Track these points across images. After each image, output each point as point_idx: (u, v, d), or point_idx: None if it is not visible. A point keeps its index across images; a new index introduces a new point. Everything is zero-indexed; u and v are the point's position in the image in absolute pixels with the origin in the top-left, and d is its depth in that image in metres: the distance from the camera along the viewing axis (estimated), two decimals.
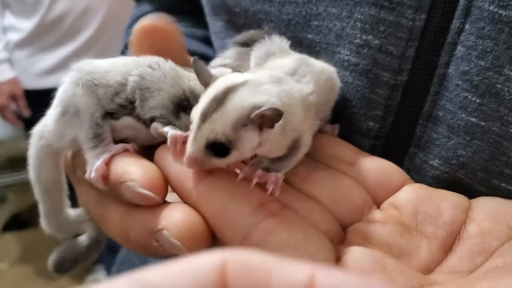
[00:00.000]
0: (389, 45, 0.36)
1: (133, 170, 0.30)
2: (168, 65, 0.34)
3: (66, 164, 0.39)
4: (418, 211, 0.31)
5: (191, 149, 0.29)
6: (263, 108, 0.28)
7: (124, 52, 0.74)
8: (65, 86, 0.34)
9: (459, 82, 0.34)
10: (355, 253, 0.28)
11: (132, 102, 0.34)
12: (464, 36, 0.34)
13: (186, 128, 0.33)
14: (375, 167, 0.34)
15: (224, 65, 0.42)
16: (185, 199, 0.30)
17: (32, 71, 1.75)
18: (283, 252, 0.26)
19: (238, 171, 0.31)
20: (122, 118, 0.34)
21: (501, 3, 0.32)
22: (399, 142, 0.37)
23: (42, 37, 1.73)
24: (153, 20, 0.36)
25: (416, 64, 0.36)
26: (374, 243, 0.30)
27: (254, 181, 0.29)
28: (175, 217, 0.29)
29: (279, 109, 0.28)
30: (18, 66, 1.77)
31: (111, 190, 0.32)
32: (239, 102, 0.28)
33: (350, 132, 0.38)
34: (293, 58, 0.35)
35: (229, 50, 0.43)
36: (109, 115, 0.34)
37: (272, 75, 0.32)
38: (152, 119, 0.33)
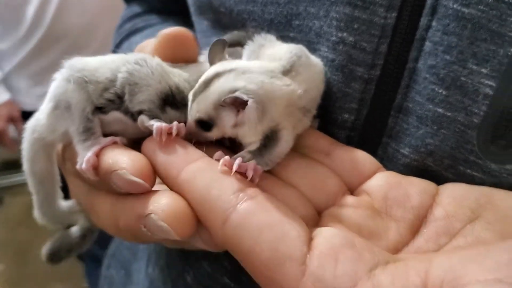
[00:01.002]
0: (363, 42, 0.38)
1: (123, 159, 0.33)
2: (155, 61, 0.37)
3: (58, 157, 0.41)
4: (388, 197, 0.34)
5: (187, 124, 0.35)
6: (235, 93, 0.32)
7: (115, 51, 0.75)
8: (57, 82, 0.36)
9: (427, 76, 0.36)
10: (326, 233, 0.30)
11: (120, 97, 0.36)
12: (432, 33, 0.36)
13: (170, 121, 0.35)
14: (349, 156, 0.36)
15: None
16: (171, 187, 0.33)
17: (33, 92, 1.69)
18: (261, 233, 0.28)
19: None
20: (111, 112, 0.36)
21: (464, 2, 0.34)
22: (373, 132, 0.39)
23: (42, 56, 1.67)
24: (178, 28, 0.39)
25: (388, 59, 0.38)
26: (346, 225, 0.32)
27: (235, 168, 0.31)
28: (162, 202, 0.31)
29: (244, 96, 0.31)
30: (18, 88, 1.71)
31: (101, 180, 0.34)
32: (220, 86, 0.33)
33: (327, 124, 0.40)
34: (292, 48, 0.38)
35: None
36: (98, 109, 0.36)
37: (264, 67, 0.35)
38: (140, 112, 0.36)
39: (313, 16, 0.41)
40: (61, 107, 0.36)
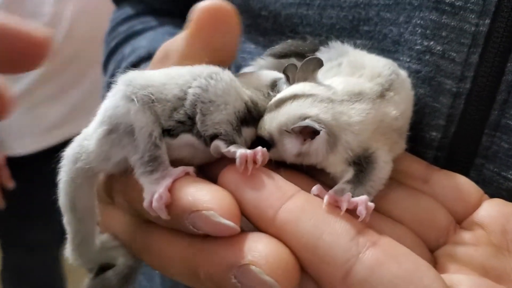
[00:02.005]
0: (452, 51, 0.34)
1: (206, 197, 0.27)
2: (227, 74, 0.31)
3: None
4: (506, 230, 0.30)
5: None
6: (304, 122, 0.28)
7: (106, 62, 0.68)
8: (114, 101, 0.30)
9: None
10: (465, 282, 0.25)
11: (191, 118, 0.30)
12: None
13: (245, 141, 0.31)
14: (450, 183, 0.32)
15: None
16: (265, 229, 0.27)
17: (36, 128, 1.38)
18: (396, 286, 0.24)
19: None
20: (181, 135, 0.30)
21: None
22: (462, 153, 0.35)
23: (45, 85, 1.36)
24: (217, 1, 0.32)
25: (480, 71, 0.34)
26: (470, 267, 0.28)
27: (344, 206, 0.27)
28: (263, 250, 0.26)
29: (315, 126, 0.28)
30: (15, 126, 1.35)
31: (173, 219, 0.28)
32: (291, 111, 0.30)
33: (412, 143, 0.36)
34: (388, 63, 0.33)
35: (263, 59, 0.40)
36: (166, 132, 0.30)
37: (351, 90, 0.31)
38: (214, 136, 0.30)
39: (389, 22, 0.36)
40: (119, 131, 0.29)
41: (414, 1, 0.35)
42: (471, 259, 0.28)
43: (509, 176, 0.34)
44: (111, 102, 0.30)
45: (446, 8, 0.34)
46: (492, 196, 0.33)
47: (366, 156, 0.30)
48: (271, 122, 0.30)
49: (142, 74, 0.31)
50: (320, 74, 0.33)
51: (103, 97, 0.31)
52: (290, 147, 0.30)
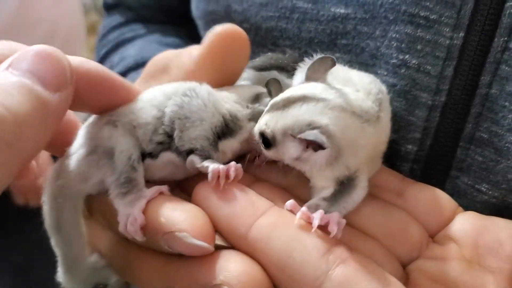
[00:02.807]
0: (427, 65, 0.35)
1: (179, 218, 0.27)
2: (205, 89, 0.32)
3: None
4: (478, 244, 0.30)
5: (254, 129, 0.31)
6: (312, 134, 0.27)
7: (100, 63, 0.69)
8: (96, 126, 0.30)
9: (506, 104, 0.33)
10: None
11: (170, 136, 0.31)
12: (509, 55, 0.33)
13: (223, 152, 0.32)
14: (424, 196, 0.32)
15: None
16: (237, 246, 0.28)
17: None
18: None
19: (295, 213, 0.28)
20: (161, 154, 0.31)
21: None
22: (438, 165, 0.36)
23: None
24: (232, 26, 0.33)
25: (454, 84, 0.34)
26: (441, 282, 0.28)
27: (316, 223, 0.27)
28: (235, 270, 0.26)
29: (324, 142, 0.27)
30: None
31: (149, 240, 0.29)
32: (301, 114, 0.29)
33: (388, 156, 0.36)
34: (373, 80, 0.33)
35: (245, 72, 0.40)
36: (148, 155, 0.31)
37: (359, 107, 0.30)
38: (190, 152, 0.30)
39: (366, 36, 0.37)
40: (98, 153, 0.30)
41: (389, 15, 0.35)
42: (442, 274, 0.28)
43: (482, 188, 0.34)
44: (93, 127, 0.31)
45: (421, 21, 0.34)
46: (466, 208, 0.33)
47: (351, 178, 0.30)
48: (276, 122, 0.30)
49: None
50: None
51: None
52: (292, 152, 0.29)
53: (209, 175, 0.29)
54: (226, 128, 0.32)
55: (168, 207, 0.28)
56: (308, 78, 0.31)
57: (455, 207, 0.32)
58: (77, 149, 0.31)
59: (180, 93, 0.31)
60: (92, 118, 0.31)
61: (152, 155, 0.31)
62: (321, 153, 0.28)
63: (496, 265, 0.29)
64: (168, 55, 0.37)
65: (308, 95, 0.29)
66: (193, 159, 0.30)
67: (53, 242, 0.34)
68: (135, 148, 0.30)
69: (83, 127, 0.32)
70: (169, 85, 0.32)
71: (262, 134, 0.30)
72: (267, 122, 0.30)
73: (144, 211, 0.28)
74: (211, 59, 0.33)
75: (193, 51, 0.34)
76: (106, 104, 0.31)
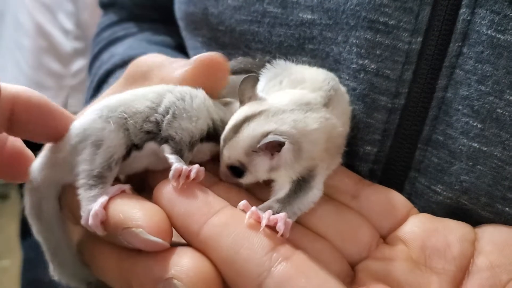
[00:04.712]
0: (386, 69, 0.36)
1: (136, 215, 0.29)
2: (202, 93, 0.34)
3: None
4: (426, 246, 0.31)
5: (220, 169, 0.33)
6: (267, 138, 0.30)
7: (90, 66, 0.71)
8: (92, 119, 0.32)
9: (459, 107, 0.34)
10: None
11: (159, 124, 0.33)
12: (462, 60, 0.34)
13: (203, 153, 0.34)
14: (378, 198, 0.33)
15: None
16: (191, 243, 0.29)
17: None
18: None
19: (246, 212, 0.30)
20: (146, 144, 0.33)
21: (499, 28, 0.32)
22: (398, 166, 0.37)
23: None
24: (214, 54, 0.36)
25: (413, 87, 0.35)
26: (385, 282, 0.29)
27: (264, 223, 0.28)
28: (185, 265, 0.27)
29: (279, 139, 0.29)
30: None
31: (109, 235, 0.30)
32: (251, 131, 0.31)
33: (348, 157, 0.37)
34: (328, 77, 0.35)
35: None
36: (135, 146, 0.33)
37: (299, 100, 0.32)
38: (166, 140, 0.32)
39: (331, 41, 0.38)
40: (87, 141, 0.32)
41: (350, 21, 0.36)
42: (388, 274, 0.30)
43: (437, 189, 0.35)
44: (88, 119, 0.32)
45: (380, 27, 0.35)
46: (423, 209, 0.35)
47: (309, 175, 0.31)
48: (236, 149, 0.32)
49: (113, 97, 0.33)
50: (264, 92, 0.35)
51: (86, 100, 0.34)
52: (262, 165, 0.31)
53: (171, 173, 0.30)
54: (214, 132, 0.34)
55: (127, 204, 0.30)
56: (243, 101, 0.34)
57: (409, 208, 0.33)
58: (69, 138, 0.32)
59: (178, 90, 0.33)
60: (85, 110, 0.33)
61: (138, 146, 0.32)
62: (284, 150, 0.30)
63: (442, 266, 0.30)
64: (151, 62, 0.39)
65: (248, 114, 0.32)
66: (165, 148, 0.32)
67: (34, 230, 0.35)
68: (121, 147, 0.32)
69: (76, 119, 0.33)
70: (159, 86, 0.34)
71: (230, 167, 0.32)
72: (228, 155, 0.32)
73: (105, 207, 0.30)
74: (193, 81, 0.35)
75: (177, 70, 0.36)
76: (45, 131, 0.33)
